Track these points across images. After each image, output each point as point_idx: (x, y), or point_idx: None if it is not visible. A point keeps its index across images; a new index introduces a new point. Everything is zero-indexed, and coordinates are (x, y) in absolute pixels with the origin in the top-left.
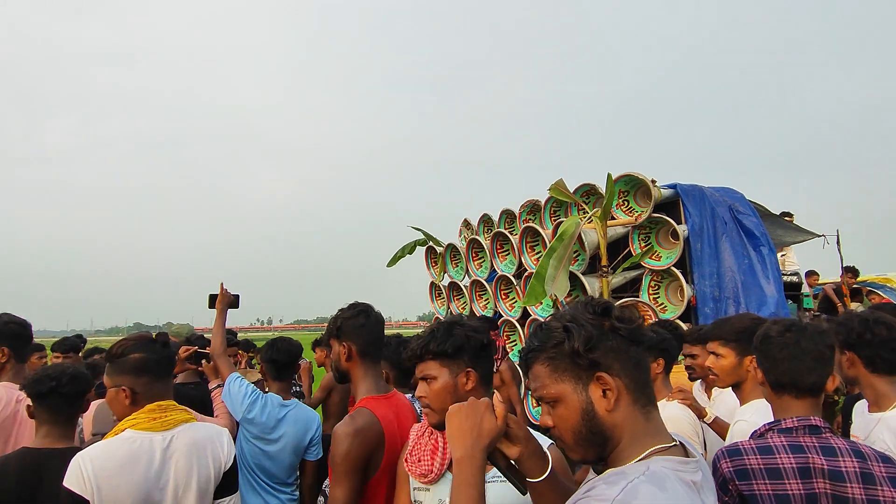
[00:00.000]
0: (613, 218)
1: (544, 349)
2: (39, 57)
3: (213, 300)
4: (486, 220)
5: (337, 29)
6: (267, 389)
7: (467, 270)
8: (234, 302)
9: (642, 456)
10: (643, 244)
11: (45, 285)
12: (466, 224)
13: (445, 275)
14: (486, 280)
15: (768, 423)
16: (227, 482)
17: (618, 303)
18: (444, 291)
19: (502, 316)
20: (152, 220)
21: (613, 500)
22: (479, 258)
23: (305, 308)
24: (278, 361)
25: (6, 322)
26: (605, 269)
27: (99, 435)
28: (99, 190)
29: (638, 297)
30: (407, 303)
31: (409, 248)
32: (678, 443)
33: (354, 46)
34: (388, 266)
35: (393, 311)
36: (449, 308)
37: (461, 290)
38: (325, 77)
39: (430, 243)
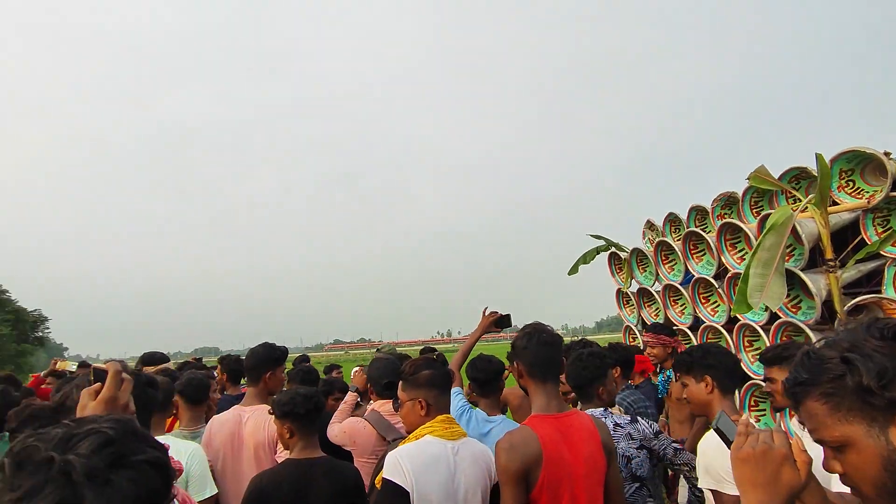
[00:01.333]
0: (836, 203)
1: (818, 383)
2: (246, 116)
3: (498, 321)
4: (672, 220)
5: (496, 38)
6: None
7: (657, 275)
8: (503, 321)
9: None
10: (881, 230)
11: (280, 307)
12: (650, 225)
13: (633, 281)
14: (680, 284)
15: None
16: (494, 495)
17: (853, 301)
18: (632, 298)
19: (704, 322)
20: (339, 242)
21: None
22: (670, 261)
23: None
24: (478, 379)
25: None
26: (830, 262)
27: (398, 440)
28: (308, 225)
29: (880, 292)
30: (585, 309)
31: (590, 256)
32: None
33: (503, 52)
34: (569, 274)
35: (568, 319)
36: (640, 315)
37: (652, 295)
38: (488, 89)
39: (613, 249)
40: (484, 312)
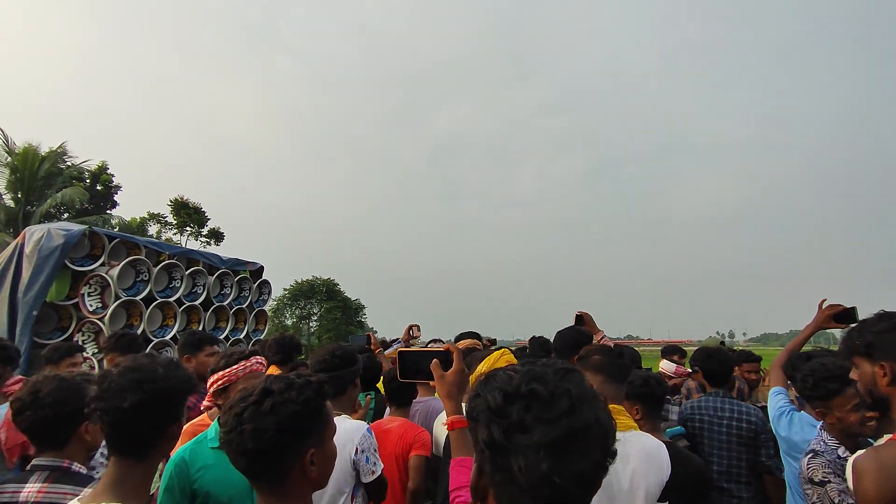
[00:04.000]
0: None
1: None
2: (503, 120)
3: (840, 316)
4: None
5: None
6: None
7: None
8: (847, 315)
9: None
10: None
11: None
12: None
13: None
14: None
15: None
16: (663, 493)
17: None
18: None
19: None
20: (604, 239)
21: None
22: None
23: (775, 320)
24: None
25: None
26: None
27: None
28: (561, 221)
29: None
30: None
31: None
32: None
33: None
34: None
35: None
36: None
37: None
38: (750, 60)
39: None
40: (821, 305)
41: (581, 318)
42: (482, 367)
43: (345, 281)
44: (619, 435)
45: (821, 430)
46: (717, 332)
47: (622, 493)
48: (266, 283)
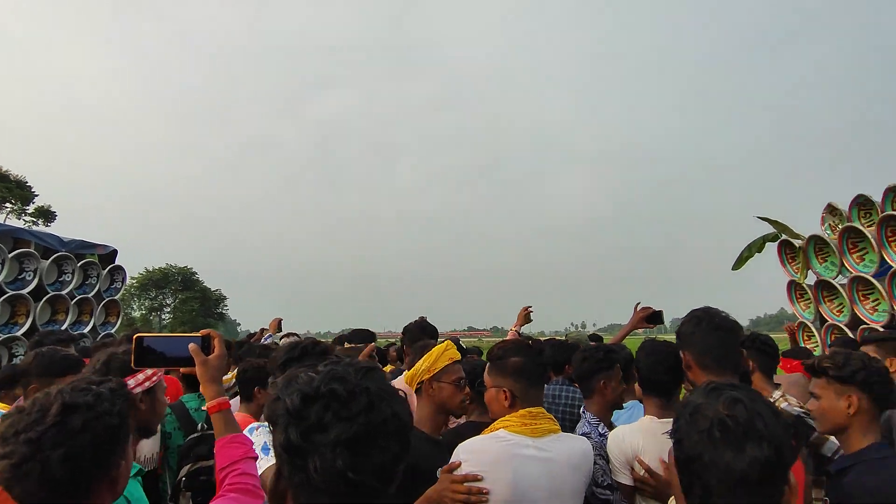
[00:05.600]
0: None
1: None
2: (390, 111)
3: (650, 317)
4: (862, 203)
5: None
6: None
7: (842, 266)
8: (655, 317)
9: None
10: None
11: (404, 293)
12: (831, 210)
13: (809, 272)
14: (873, 276)
15: None
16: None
17: None
18: (808, 291)
19: None
20: (477, 234)
21: None
22: (860, 249)
23: (621, 313)
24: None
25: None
26: None
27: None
28: (440, 215)
29: None
30: (737, 307)
31: (757, 246)
32: None
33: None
34: (734, 269)
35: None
36: (818, 311)
37: (835, 289)
38: (623, 75)
39: (785, 236)
40: (636, 308)
41: (656, 316)
42: (424, 363)
43: (207, 270)
44: (535, 441)
45: (583, 411)
46: (571, 324)
47: (544, 497)
48: (119, 269)
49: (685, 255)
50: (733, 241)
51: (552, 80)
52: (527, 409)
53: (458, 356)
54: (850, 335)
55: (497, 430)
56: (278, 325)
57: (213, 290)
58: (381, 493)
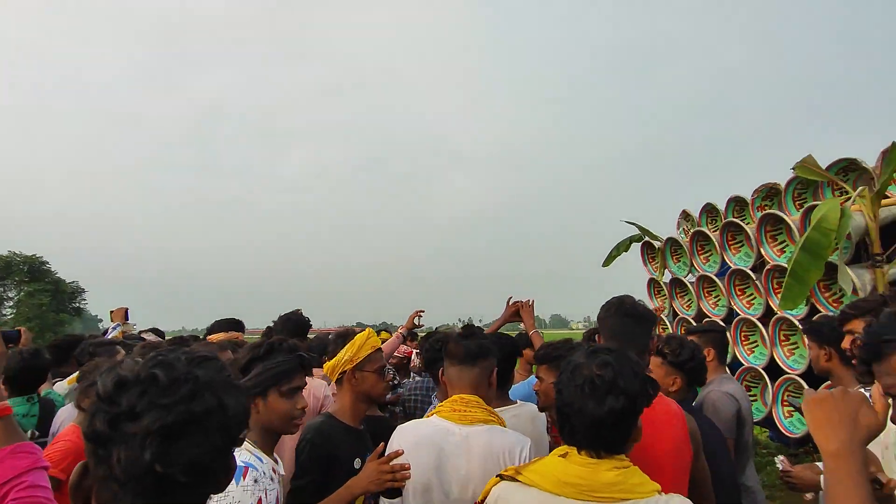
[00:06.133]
0: (887, 196)
1: None
2: (275, 97)
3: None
4: (709, 210)
5: (518, 29)
6: None
7: (692, 265)
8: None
9: None
10: None
11: (286, 287)
12: (685, 216)
13: (666, 271)
14: (716, 275)
15: None
16: None
17: None
18: (664, 288)
19: (738, 314)
20: (364, 230)
21: None
22: (706, 251)
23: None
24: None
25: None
26: (878, 257)
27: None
28: (327, 209)
29: None
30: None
31: (624, 246)
32: None
33: (525, 42)
34: (604, 266)
35: (593, 311)
36: (672, 306)
37: (686, 286)
38: (506, 80)
39: (647, 238)
40: (508, 302)
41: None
42: (346, 353)
43: (60, 259)
44: (461, 429)
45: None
46: (459, 319)
47: (458, 487)
48: None
49: (562, 252)
50: (603, 240)
51: (441, 80)
52: (459, 396)
53: (379, 344)
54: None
55: (431, 415)
56: (124, 314)
57: (68, 281)
58: (193, 492)
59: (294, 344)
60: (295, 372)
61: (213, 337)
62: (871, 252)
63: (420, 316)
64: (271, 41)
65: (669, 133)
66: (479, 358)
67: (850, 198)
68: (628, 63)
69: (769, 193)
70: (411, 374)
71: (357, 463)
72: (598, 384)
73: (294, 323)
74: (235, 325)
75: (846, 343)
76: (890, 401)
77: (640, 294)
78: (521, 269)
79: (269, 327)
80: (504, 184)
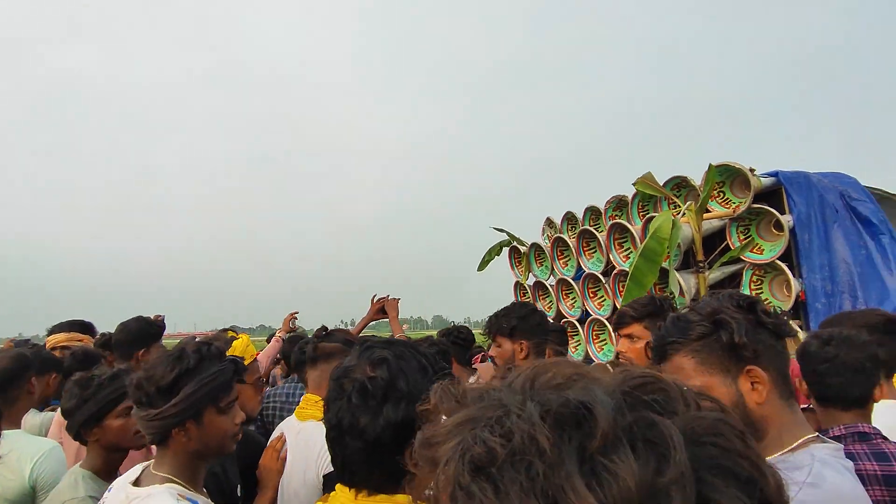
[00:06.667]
0: (708, 210)
1: (688, 341)
2: (148, 83)
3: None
4: (569, 218)
5: (429, 27)
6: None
7: (553, 269)
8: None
9: (795, 445)
10: (742, 237)
11: (163, 286)
12: (549, 223)
13: (530, 274)
14: (572, 279)
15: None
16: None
17: None
18: (529, 291)
19: (591, 315)
20: (254, 229)
21: (803, 483)
22: (565, 257)
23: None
24: None
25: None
26: (701, 264)
27: None
28: (202, 203)
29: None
30: (490, 304)
31: (496, 250)
32: (818, 434)
33: (441, 44)
34: (478, 270)
35: (471, 312)
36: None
37: (547, 289)
38: (410, 79)
39: (515, 244)
40: (372, 300)
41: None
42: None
43: None
44: (301, 425)
45: None
46: (341, 321)
47: (289, 478)
48: None
49: (446, 255)
50: (484, 244)
51: (343, 76)
52: (308, 394)
53: (255, 352)
54: None
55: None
56: None
57: None
58: None
59: (220, 347)
60: (232, 381)
61: (55, 338)
62: (695, 259)
63: (295, 318)
64: (145, 17)
65: (550, 140)
66: (320, 360)
67: (680, 211)
68: (530, 72)
69: (619, 205)
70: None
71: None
72: (370, 390)
73: (136, 331)
74: (83, 327)
75: (621, 346)
76: None
77: (509, 296)
78: (407, 272)
79: (102, 334)
80: (390, 183)
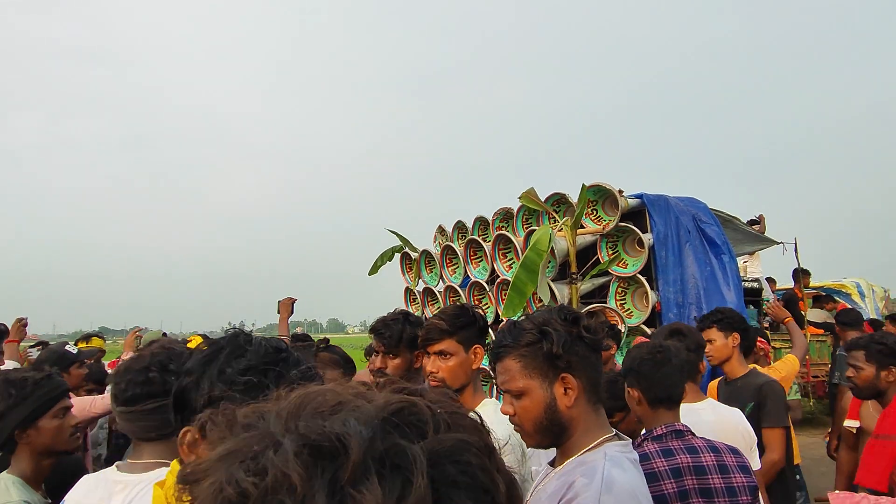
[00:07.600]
0: (583, 226)
1: (518, 347)
2: (4, 50)
3: (279, 306)
4: (460, 227)
5: (319, 31)
6: None
7: (441, 276)
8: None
9: (593, 445)
10: (611, 252)
11: (3, 286)
12: (441, 230)
13: (420, 280)
14: (459, 286)
15: (643, 434)
16: None
17: (586, 308)
18: (418, 297)
19: None
20: (121, 222)
21: (599, 492)
22: (454, 264)
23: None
24: None
25: None
26: (574, 276)
27: None
28: (65, 189)
29: (605, 302)
30: (380, 308)
31: (387, 255)
32: (616, 432)
33: (335, 49)
34: (369, 274)
35: (367, 315)
36: (424, 314)
37: (436, 295)
38: (304, 80)
39: (406, 249)
40: (279, 303)
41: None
42: None
43: None
44: None
45: None
46: (229, 323)
47: None
48: None
49: (339, 255)
50: (378, 246)
51: (225, 63)
52: None
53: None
54: None
55: None
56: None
57: None
58: None
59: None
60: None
61: None
62: (570, 271)
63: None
64: None
65: (437, 156)
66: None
67: (558, 226)
68: (437, 78)
69: (505, 216)
70: None
71: None
72: None
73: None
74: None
75: (431, 366)
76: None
77: (399, 302)
78: (299, 272)
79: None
80: (288, 182)
